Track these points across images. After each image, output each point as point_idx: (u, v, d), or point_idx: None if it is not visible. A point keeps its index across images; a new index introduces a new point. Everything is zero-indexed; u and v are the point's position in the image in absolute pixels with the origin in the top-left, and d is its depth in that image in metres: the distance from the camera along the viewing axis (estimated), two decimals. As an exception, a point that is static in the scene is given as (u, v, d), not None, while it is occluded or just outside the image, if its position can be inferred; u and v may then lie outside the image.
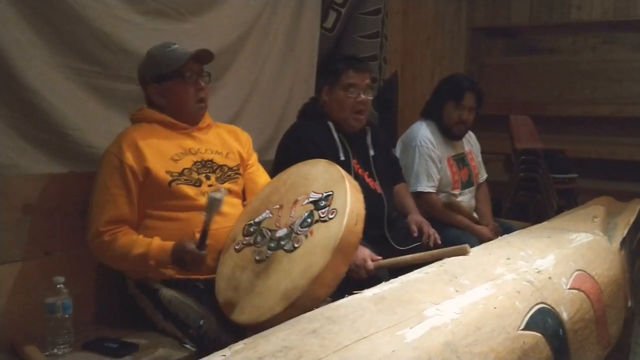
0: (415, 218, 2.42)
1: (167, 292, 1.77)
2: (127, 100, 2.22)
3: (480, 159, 3.09)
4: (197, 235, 1.77)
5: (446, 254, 1.69)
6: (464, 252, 1.67)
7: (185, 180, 1.85)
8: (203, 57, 1.94)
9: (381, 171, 2.38)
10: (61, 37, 2.03)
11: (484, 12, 5.54)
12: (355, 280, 1.77)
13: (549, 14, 5.29)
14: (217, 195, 1.67)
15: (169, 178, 1.82)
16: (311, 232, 1.60)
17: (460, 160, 2.90)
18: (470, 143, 3.04)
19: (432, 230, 2.32)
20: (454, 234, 2.57)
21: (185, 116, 1.94)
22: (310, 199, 1.70)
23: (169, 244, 1.75)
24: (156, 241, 1.77)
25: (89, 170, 1.96)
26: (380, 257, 1.92)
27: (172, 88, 1.90)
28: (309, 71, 3.25)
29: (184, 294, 1.76)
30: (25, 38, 1.94)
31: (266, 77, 2.97)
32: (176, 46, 1.94)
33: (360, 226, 1.60)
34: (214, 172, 1.92)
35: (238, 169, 2.01)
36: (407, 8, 4.45)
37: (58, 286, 1.67)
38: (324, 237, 1.55)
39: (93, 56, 2.13)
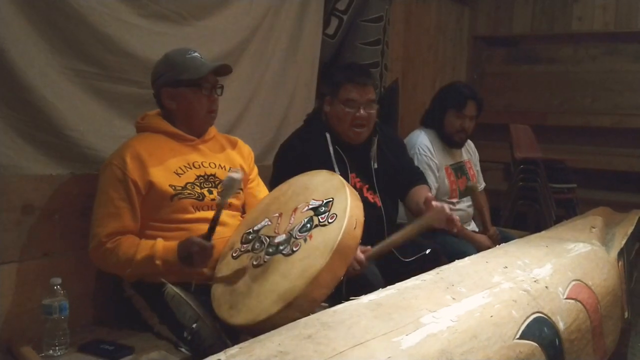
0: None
1: (171, 289, 1.76)
2: (129, 102, 2.23)
3: (478, 167, 3.09)
4: None
5: (428, 220, 1.76)
6: (442, 212, 1.70)
7: (188, 194, 1.85)
8: (222, 71, 1.96)
9: (383, 184, 2.33)
10: (63, 39, 2.03)
11: (486, 20, 5.55)
12: (349, 278, 1.76)
13: (550, 24, 5.31)
14: (236, 175, 1.66)
15: (172, 192, 1.82)
16: (310, 236, 1.60)
17: (459, 169, 2.90)
18: (469, 152, 3.05)
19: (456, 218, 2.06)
20: (451, 241, 2.57)
21: (193, 124, 1.95)
22: (310, 206, 1.71)
23: (174, 243, 1.76)
24: (160, 242, 1.77)
25: (89, 173, 1.97)
26: (369, 247, 1.90)
27: (186, 95, 1.91)
28: (311, 77, 3.26)
29: (185, 293, 1.76)
30: (28, 39, 1.94)
31: (268, 82, 2.97)
32: (196, 54, 1.95)
33: (359, 231, 1.61)
34: (216, 186, 1.92)
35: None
36: (409, 16, 4.46)
37: (55, 287, 1.67)
38: (323, 240, 1.55)
39: (95, 58, 2.13)
